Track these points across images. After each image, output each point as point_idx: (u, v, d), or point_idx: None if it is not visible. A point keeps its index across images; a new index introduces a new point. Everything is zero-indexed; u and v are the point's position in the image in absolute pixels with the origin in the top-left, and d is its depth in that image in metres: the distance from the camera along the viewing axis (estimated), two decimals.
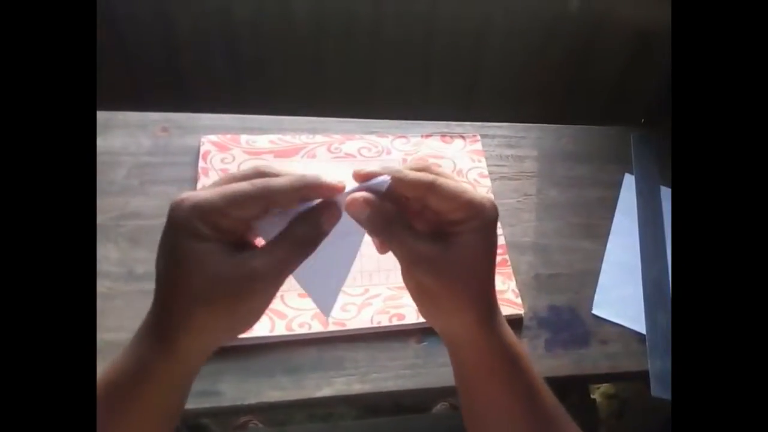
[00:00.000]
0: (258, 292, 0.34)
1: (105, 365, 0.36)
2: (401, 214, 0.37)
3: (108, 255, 0.64)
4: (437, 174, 0.38)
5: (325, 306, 0.40)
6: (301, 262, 0.35)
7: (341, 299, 0.64)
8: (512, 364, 0.40)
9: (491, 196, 0.39)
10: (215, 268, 0.33)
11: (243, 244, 0.36)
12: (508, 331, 0.40)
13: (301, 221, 0.36)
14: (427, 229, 0.39)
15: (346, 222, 0.37)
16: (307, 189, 0.35)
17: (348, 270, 0.40)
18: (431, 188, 0.37)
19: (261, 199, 0.34)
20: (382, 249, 0.40)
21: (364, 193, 0.37)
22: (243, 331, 0.37)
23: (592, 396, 1.18)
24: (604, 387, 1.23)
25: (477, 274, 0.38)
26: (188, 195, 0.34)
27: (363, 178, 0.37)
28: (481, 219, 0.37)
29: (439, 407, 1.12)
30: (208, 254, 0.33)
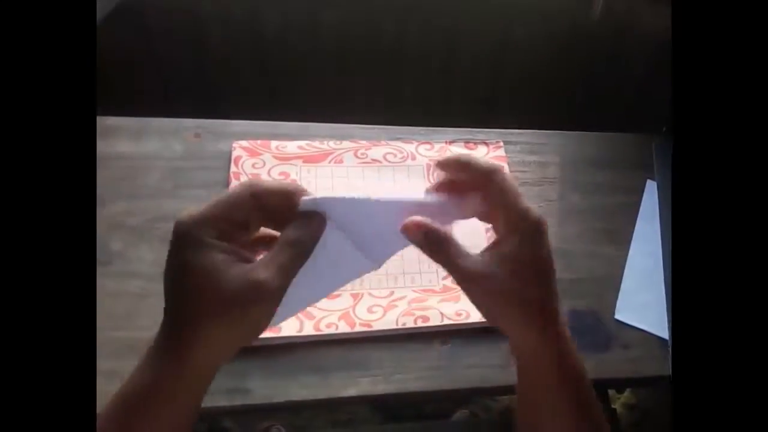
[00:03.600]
0: (265, 300, 0.35)
1: (123, 382, 0.36)
2: (451, 237, 0.39)
3: (142, 256, 0.66)
4: (504, 176, 0.39)
5: (279, 315, 0.39)
6: (299, 267, 0.36)
7: (367, 301, 0.65)
8: (570, 376, 0.40)
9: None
10: (220, 279, 0.34)
11: (246, 257, 0.37)
12: (571, 345, 0.40)
13: (293, 228, 0.37)
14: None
15: (350, 250, 0.39)
16: (292, 192, 0.37)
17: (327, 291, 0.40)
18: (495, 184, 0.39)
19: (252, 197, 0.36)
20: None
21: (417, 218, 0.38)
22: (251, 341, 0.38)
23: (612, 406, 1.17)
24: (625, 397, 1.22)
25: (528, 281, 0.38)
26: (188, 210, 0.35)
27: (444, 166, 0.40)
28: (527, 227, 0.38)
29: (459, 414, 1.13)
30: (215, 266, 0.34)
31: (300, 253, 0.37)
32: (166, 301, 0.36)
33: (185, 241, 0.35)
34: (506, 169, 0.80)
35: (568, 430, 0.40)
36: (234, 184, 0.72)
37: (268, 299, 0.35)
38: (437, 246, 0.38)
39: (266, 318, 0.37)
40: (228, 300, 0.34)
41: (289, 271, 0.36)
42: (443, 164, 0.41)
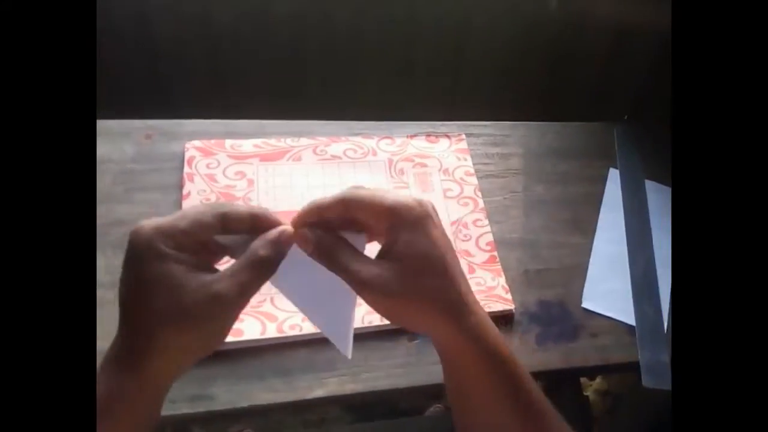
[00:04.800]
0: (222, 314, 0.35)
1: None
2: (344, 243, 0.38)
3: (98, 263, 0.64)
4: (353, 190, 0.38)
5: (341, 340, 0.41)
6: (261, 285, 0.36)
7: None
8: (495, 364, 0.38)
9: (416, 196, 0.39)
10: (179, 290, 0.34)
11: (206, 268, 0.37)
12: (489, 331, 0.39)
13: (260, 246, 0.37)
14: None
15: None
16: (258, 217, 0.38)
17: (354, 300, 0.40)
18: (347, 203, 0.38)
19: (218, 218, 0.36)
20: None
21: (306, 229, 0.38)
22: (209, 352, 0.38)
23: (585, 393, 1.18)
24: (597, 384, 1.23)
25: (424, 274, 0.37)
26: (148, 220, 0.35)
27: (301, 221, 0.39)
28: (405, 217, 0.37)
29: (433, 409, 1.12)
30: (172, 276, 0.34)
31: (263, 272, 0.36)
32: (122, 311, 0.35)
33: (142, 251, 0.34)
34: (469, 161, 0.79)
35: (504, 418, 0.39)
36: (188, 185, 0.70)
37: (227, 313, 0.35)
38: (329, 252, 0.38)
39: (225, 330, 0.37)
40: (185, 311, 0.34)
41: (249, 288, 0.36)
42: (299, 222, 0.39)
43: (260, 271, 0.36)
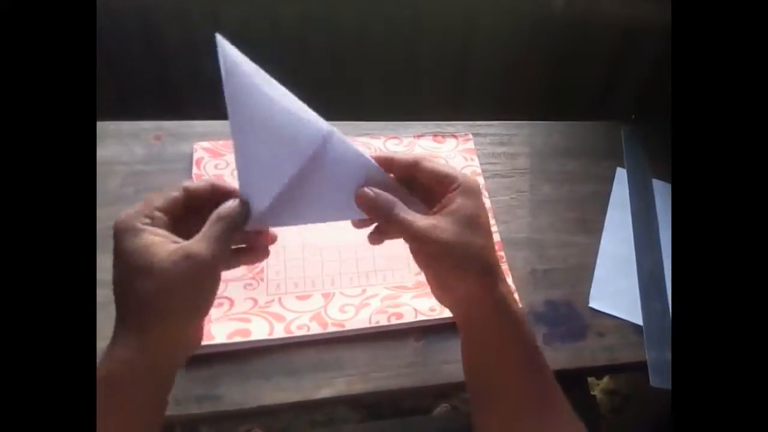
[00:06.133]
0: (200, 269, 0.37)
1: None
2: (400, 202, 0.42)
3: (103, 265, 0.63)
4: (423, 153, 0.43)
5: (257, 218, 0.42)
6: (230, 239, 0.40)
7: (339, 300, 0.64)
8: (515, 325, 0.43)
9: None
10: (158, 257, 0.37)
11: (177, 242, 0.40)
12: (511, 298, 0.43)
13: (222, 206, 0.40)
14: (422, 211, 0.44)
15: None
16: (216, 186, 0.42)
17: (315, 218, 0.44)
18: (417, 162, 0.43)
19: (182, 190, 0.41)
20: (376, 240, 0.46)
21: (366, 189, 0.43)
22: (201, 315, 0.40)
23: (592, 393, 1.18)
24: (604, 383, 1.23)
25: (473, 233, 0.41)
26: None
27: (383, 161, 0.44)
28: (463, 184, 0.42)
29: (440, 409, 1.12)
30: (150, 245, 0.37)
31: (229, 225, 0.39)
32: (115, 290, 0.38)
33: (122, 231, 0.38)
34: (476, 161, 0.80)
35: (516, 372, 0.43)
36: None
37: (203, 268, 0.37)
38: (387, 208, 0.42)
39: (209, 292, 0.39)
40: (164, 271, 0.36)
41: (219, 242, 0.38)
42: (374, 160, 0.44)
43: (226, 224, 0.39)
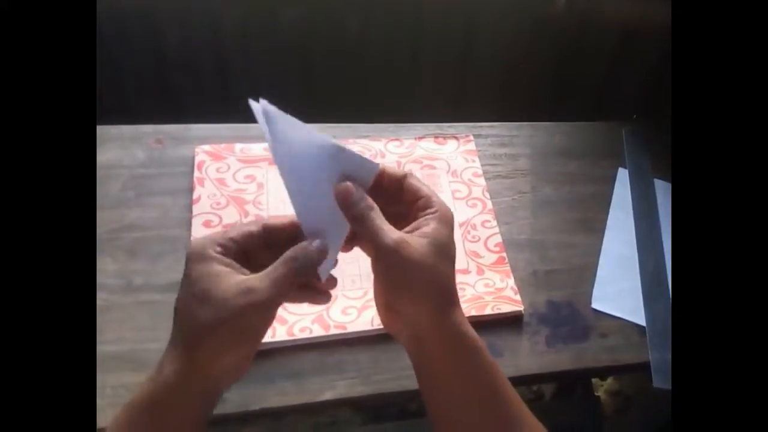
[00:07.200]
0: (256, 307, 0.37)
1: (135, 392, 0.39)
2: (378, 211, 0.41)
3: (105, 268, 0.64)
4: (412, 172, 0.44)
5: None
6: (293, 283, 0.39)
7: (341, 302, 0.64)
8: (472, 355, 0.41)
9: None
10: (220, 287, 0.37)
11: (245, 274, 0.40)
12: (468, 326, 0.42)
13: (292, 249, 0.40)
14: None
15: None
16: (297, 224, 0.41)
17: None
18: (406, 179, 0.43)
19: (261, 227, 0.41)
20: (345, 247, 0.44)
21: (348, 183, 0.41)
22: (251, 348, 0.41)
23: (596, 393, 1.18)
24: (608, 384, 1.22)
25: (442, 260, 0.40)
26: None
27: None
28: (441, 210, 0.42)
29: None
30: (214, 274, 0.38)
31: (293, 269, 0.39)
32: (175, 311, 0.39)
33: (193, 254, 0.39)
34: (477, 162, 0.79)
35: (471, 410, 0.41)
36: (198, 189, 0.71)
37: (259, 306, 0.38)
38: (363, 213, 0.40)
39: (261, 326, 0.39)
40: (222, 302, 0.37)
41: (281, 284, 0.38)
42: None
43: (291, 268, 0.39)
